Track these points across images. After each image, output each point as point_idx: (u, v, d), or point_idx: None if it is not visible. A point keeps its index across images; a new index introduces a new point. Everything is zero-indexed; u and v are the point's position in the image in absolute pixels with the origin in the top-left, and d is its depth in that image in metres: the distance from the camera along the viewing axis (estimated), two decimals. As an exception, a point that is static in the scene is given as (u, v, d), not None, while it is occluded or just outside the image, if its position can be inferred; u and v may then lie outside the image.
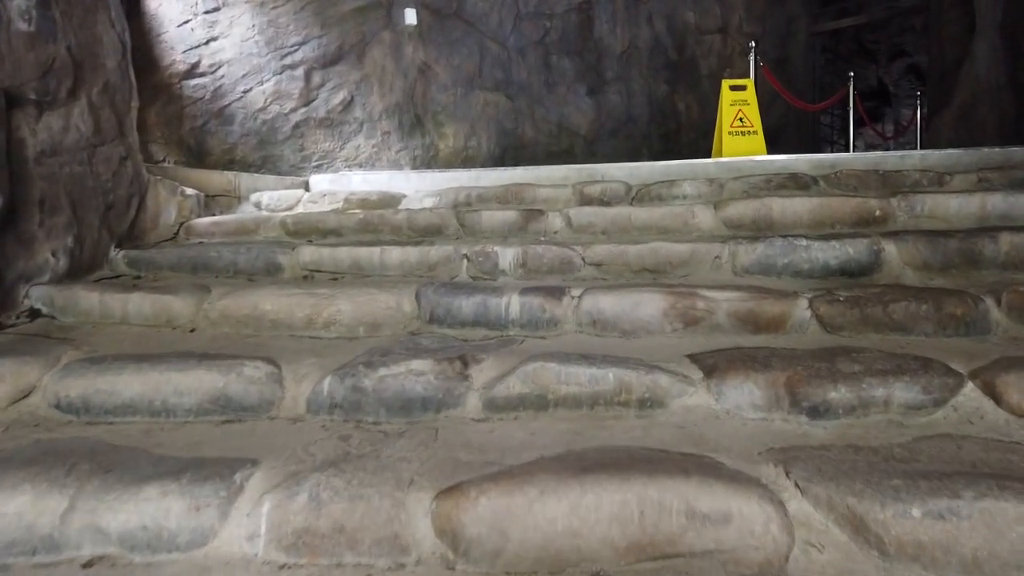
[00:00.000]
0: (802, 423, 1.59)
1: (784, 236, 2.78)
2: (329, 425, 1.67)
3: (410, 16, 6.37)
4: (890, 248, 2.61)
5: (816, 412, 1.60)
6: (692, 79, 8.90)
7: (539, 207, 3.84)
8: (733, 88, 5.08)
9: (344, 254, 3.00)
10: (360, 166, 6.19)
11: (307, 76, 5.93)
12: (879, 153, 4.26)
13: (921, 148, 7.28)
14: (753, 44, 5.21)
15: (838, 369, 1.66)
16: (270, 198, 4.74)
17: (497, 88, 7.03)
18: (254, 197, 4.78)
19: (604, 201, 4.01)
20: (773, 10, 9.91)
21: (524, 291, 2.31)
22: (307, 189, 5.28)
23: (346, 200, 4.57)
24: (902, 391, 1.60)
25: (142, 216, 3.29)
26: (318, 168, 6.02)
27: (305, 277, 2.97)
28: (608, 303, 2.21)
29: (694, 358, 1.82)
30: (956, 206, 3.24)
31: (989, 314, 2.09)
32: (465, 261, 2.88)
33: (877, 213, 3.24)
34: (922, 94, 7.34)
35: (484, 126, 6.90)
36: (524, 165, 7.38)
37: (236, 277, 2.98)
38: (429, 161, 6.51)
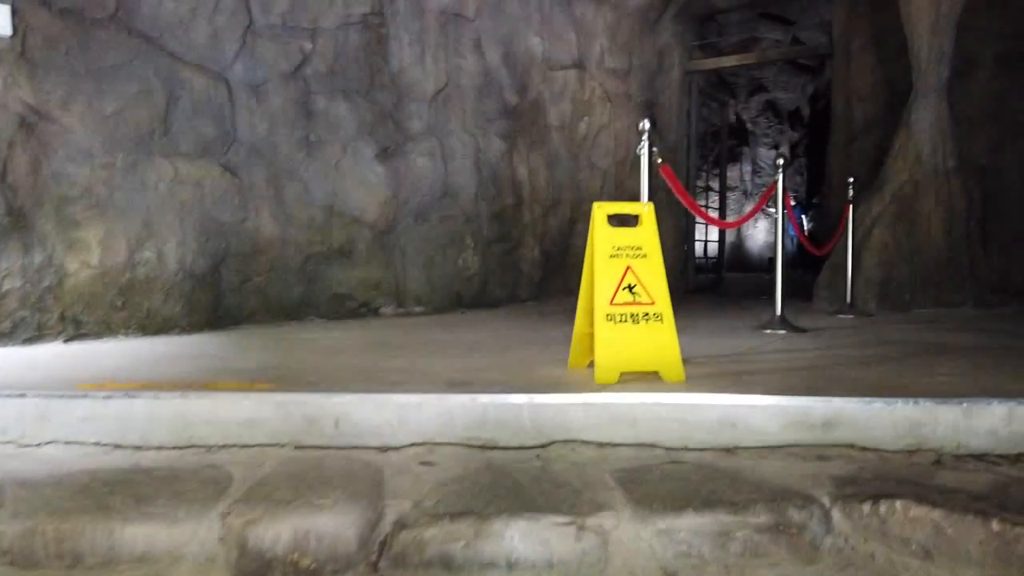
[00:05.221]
0: None
1: None
2: None
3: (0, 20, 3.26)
4: None
5: None
6: (538, 132, 6.36)
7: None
8: (615, 220, 2.30)
9: None
10: None
11: None
12: (917, 407, 1.83)
13: (853, 256, 5.15)
14: (647, 126, 2.56)
15: None
16: None
17: (205, 152, 4.04)
18: None
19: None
20: (642, 40, 7.61)
21: None
22: None
23: None
24: None
25: None
26: None
27: None
28: None
29: None
30: None
31: None
32: None
33: None
34: (853, 181, 5.21)
35: (175, 221, 3.87)
36: (254, 281, 4.40)
37: None
38: (41, 297, 3.40)
